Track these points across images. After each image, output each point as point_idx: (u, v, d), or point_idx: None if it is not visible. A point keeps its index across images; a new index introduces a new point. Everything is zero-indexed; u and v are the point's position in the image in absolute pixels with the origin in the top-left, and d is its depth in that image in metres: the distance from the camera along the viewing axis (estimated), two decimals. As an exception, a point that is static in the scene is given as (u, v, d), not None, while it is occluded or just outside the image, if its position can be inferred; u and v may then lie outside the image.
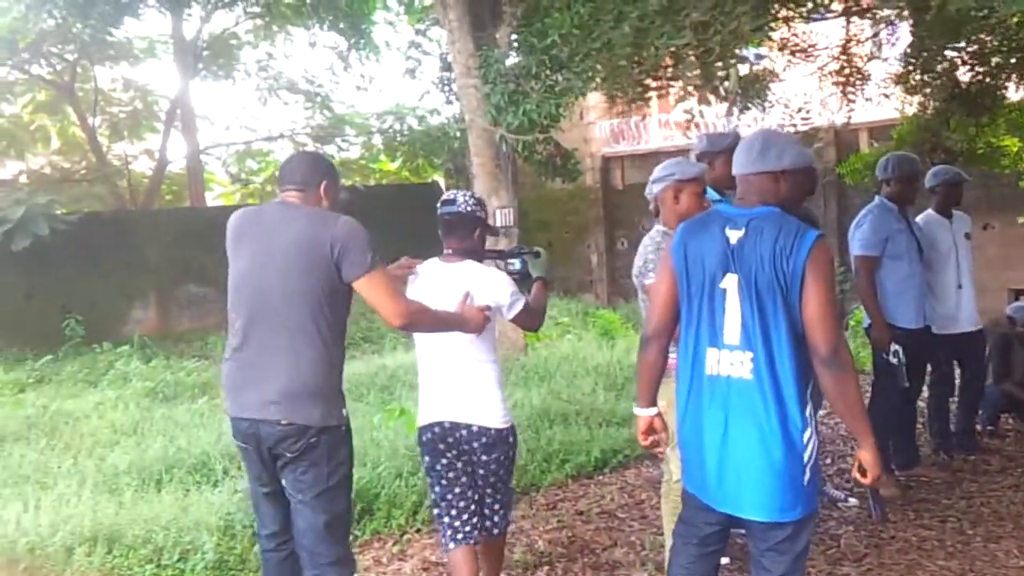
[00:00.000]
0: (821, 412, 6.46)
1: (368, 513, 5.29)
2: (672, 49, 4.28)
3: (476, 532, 3.83)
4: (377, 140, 19.79)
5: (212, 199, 21.44)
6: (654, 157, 15.85)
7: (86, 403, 9.04)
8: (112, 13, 10.22)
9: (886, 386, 5.57)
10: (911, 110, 8.38)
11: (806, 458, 2.86)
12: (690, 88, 4.59)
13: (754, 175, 3.03)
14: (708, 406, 2.97)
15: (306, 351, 3.28)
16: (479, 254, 3.92)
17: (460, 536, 3.79)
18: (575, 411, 7.38)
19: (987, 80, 6.85)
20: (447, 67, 11.08)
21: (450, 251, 3.87)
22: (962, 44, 5.98)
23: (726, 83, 4.41)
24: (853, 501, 5.33)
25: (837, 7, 5.68)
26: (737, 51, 4.38)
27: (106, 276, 14.70)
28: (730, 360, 2.92)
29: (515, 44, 9.64)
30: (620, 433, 6.81)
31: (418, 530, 5.22)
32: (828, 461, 6.21)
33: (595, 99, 14.61)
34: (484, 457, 3.73)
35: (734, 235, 2.95)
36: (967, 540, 4.67)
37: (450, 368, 3.78)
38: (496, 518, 3.88)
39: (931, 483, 5.64)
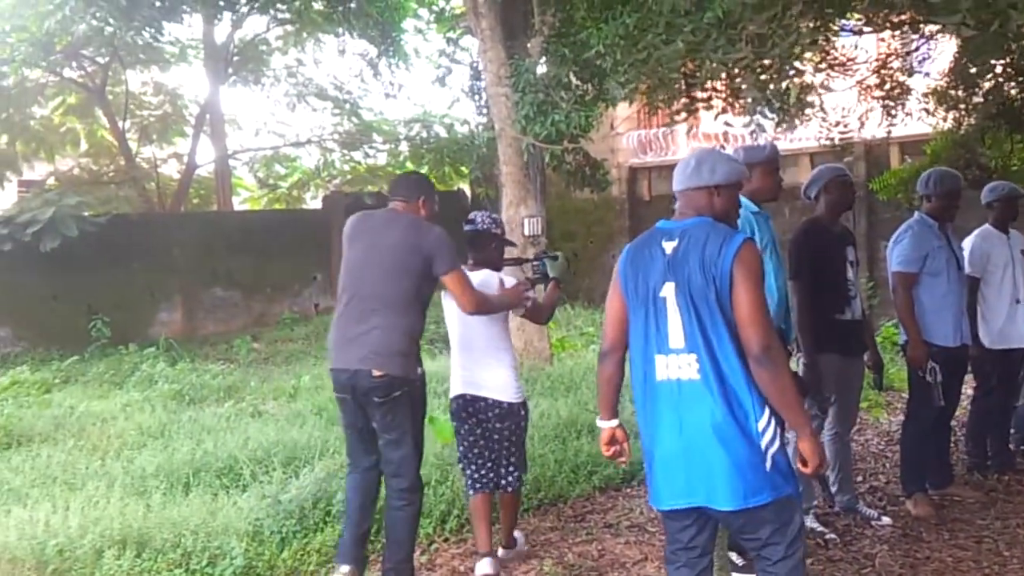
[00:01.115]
0: (854, 430, 6.44)
1: (395, 521, 5.26)
2: (726, 63, 4.25)
3: (492, 484, 4.74)
4: (404, 147, 19.82)
5: (239, 203, 21.53)
6: (682, 169, 15.82)
7: (113, 404, 9.06)
8: (155, 17, 10.27)
9: (921, 404, 5.50)
10: (944, 125, 8.30)
11: (763, 445, 3.00)
12: (745, 101, 4.55)
13: (690, 190, 3.26)
14: (663, 410, 3.11)
15: (396, 322, 4.21)
16: (496, 263, 4.79)
17: (479, 485, 4.72)
18: (602, 422, 7.32)
19: (1025, 96, 6.80)
20: (478, 75, 11.09)
21: (471, 262, 4.75)
22: (1006, 60, 5.90)
23: (785, 95, 4.38)
24: (886, 520, 5.26)
25: (879, 20, 5.63)
26: (797, 65, 4.33)
27: (133, 278, 14.81)
28: (677, 363, 3.08)
29: (546, 54, 9.61)
30: (648, 445, 6.75)
31: (446, 539, 5.19)
32: (860, 479, 6.13)
33: (623, 110, 14.60)
34: (498, 424, 4.67)
35: (669, 246, 3.15)
36: (1004, 562, 4.59)
37: (472, 352, 4.68)
38: (510, 477, 4.74)
39: (964, 503, 5.56)
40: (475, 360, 4.67)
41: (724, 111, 5.35)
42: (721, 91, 5.25)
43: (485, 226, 4.79)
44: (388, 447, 4.33)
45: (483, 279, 4.63)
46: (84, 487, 5.85)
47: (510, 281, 4.77)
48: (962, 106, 7.59)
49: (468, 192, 18.78)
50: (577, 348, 11.30)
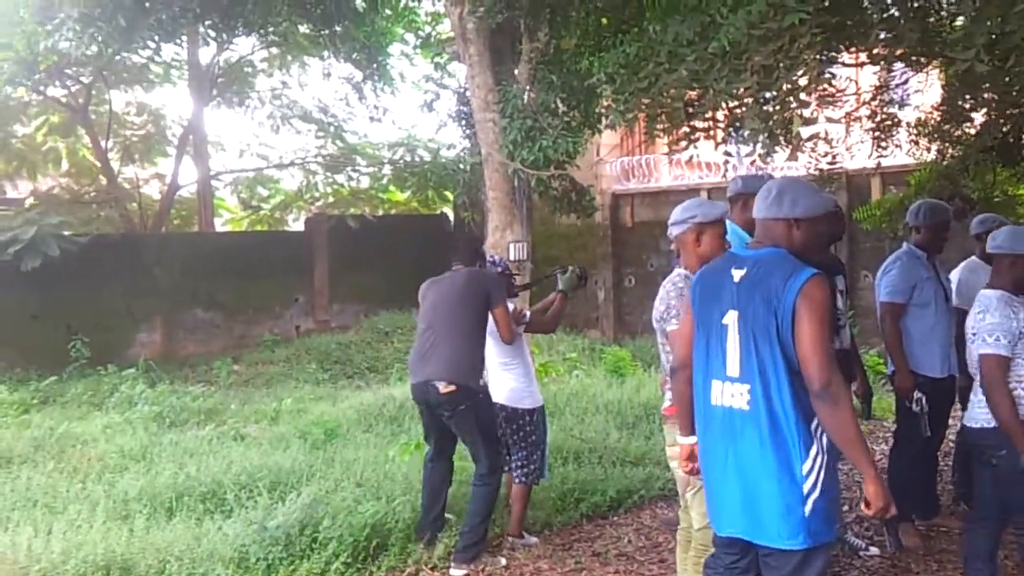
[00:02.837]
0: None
1: (383, 549, 5.22)
2: (730, 93, 4.26)
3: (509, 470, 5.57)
4: (387, 170, 19.81)
5: (221, 225, 21.43)
6: (664, 196, 15.90)
7: (93, 426, 8.97)
8: (154, 38, 10.23)
9: (908, 434, 5.52)
10: (928, 157, 8.36)
11: (806, 490, 2.96)
12: (746, 132, 4.57)
13: (769, 220, 3.22)
14: (715, 436, 3.17)
15: (460, 346, 5.24)
16: (510, 290, 5.75)
17: (506, 467, 5.55)
18: (588, 449, 7.32)
19: (1022, 130, 6.85)
20: (465, 101, 11.11)
21: None
22: (1001, 94, 5.96)
23: (788, 126, 4.41)
24: (874, 550, 5.26)
25: (877, 52, 5.68)
26: (802, 96, 4.35)
27: (113, 298, 14.70)
28: (731, 392, 3.10)
29: (534, 80, 9.64)
30: (635, 473, 6.76)
31: (434, 567, 5.15)
32: (847, 509, 6.13)
33: (608, 137, 14.66)
34: (504, 425, 5.51)
35: (738, 274, 3.15)
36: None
37: (491, 366, 5.56)
38: (517, 471, 5.52)
39: (951, 533, 5.56)
40: (491, 371, 5.59)
41: (724, 141, 5.37)
42: (722, 121, 5.27)
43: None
44: (465, 442, 5.41)
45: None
46: (66, 511, 5.78)
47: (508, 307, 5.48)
48: (949, 139, 7.66)
49: (451, 216, 18.78)
50: (560, 373, 11.29)
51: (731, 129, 5.20)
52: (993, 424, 3.89)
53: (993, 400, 3.84)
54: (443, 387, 5.13)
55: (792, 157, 5.37)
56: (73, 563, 4.69)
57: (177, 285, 15.51)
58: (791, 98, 4.28)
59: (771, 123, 4.39)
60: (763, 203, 3.24)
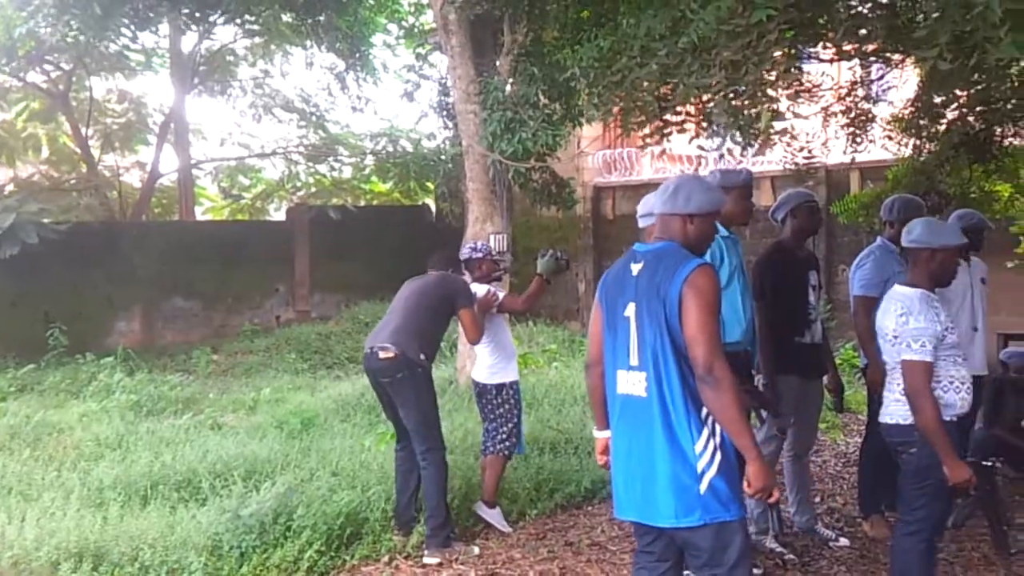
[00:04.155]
0: (812, 452, 6.51)
1: (357, 538, 5.25)
2: (700, 88, 4.29)
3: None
4: (369, 161, 19.78)
5: (202, 213, 21.35)
6: (646, 189, 15.78)
7: (69, 414, 8.94)
8: (129, 26, 10.17)
9: (878, 427, 5.56)
10: (905, 152, 8.43)
11: (700, 468, 3.08)
12: (716, 126, 4.61)
13: (666, 215, 3.35)
14: (620, 424, 3.31)
15: (409, 322, 5.44)
16: (486, 278, 5.94)
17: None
18: (564, 440, 7.36)
19: (993, 127, 6.91)
20: (446, 92, 11.13)
21: (471, 279, 5.88)
22: (971, 91, 6.01)
23: (756, 121, 4.44)
24: (844, 541, 5.32)
25: (848, 48, 5.72)
26: (769, 92, 4.39)
27: (92, 287, 14.64)
28: (632, 380, 3.24)
29: (515, 72, 9.66)
30: (609, 464, 6.78)
31: (408, 555, 5.17)
32: (818, 500, 6.20)
33: (590, 130, 14.68)
34: (477, 401, 5.92)
35: (636, 268, 3.30)
36: (959, 585, 4.66)
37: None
38: (487, 443, 5.80)
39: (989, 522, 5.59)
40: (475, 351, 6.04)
41: (697, 135, 5.40)
42: (693, 115, 5.31)
43: (466, 255, 6.01)
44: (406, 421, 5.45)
45: (475, 289, 5.72)
46: (40, 498, 5.78)
47: (481, 290, 5.75)
48: (924, 134, 7.71)
49: (433, 207, 18.77)
50: (540, 365, 11.32)
51: (704, 123, 5.23)
52: (909, 421, 3.90)
53: (917, 406, 3.82)
54: (383, 352, 5.30)
55: (761, 152, 5.41)
56: (46, 550, 4.69)
57: (157, 274, 15.46)
58: (759, 93, 4.31)
59: (740, 117, 4.42)
60: (660, 199, 3.38)
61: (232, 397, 10.52)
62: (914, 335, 3.88)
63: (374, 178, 20.77)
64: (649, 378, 3.16)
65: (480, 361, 5.92)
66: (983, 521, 5.65)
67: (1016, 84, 5.57)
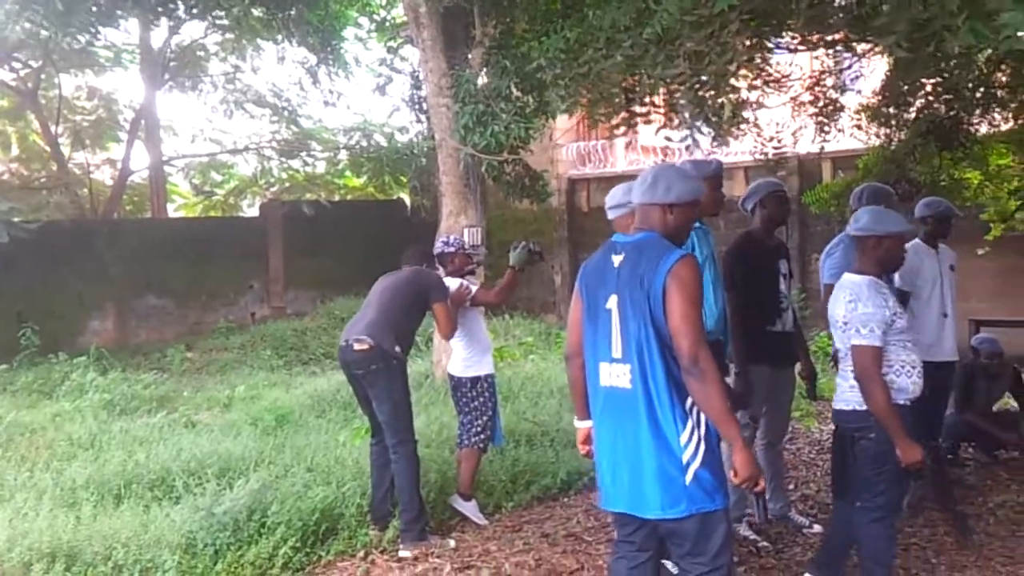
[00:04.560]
0: (786, 439, 6.56)
1: (332, 533, 5.24)
2: (664, 79, 4.30)
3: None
4: (343, 155, 19.70)
5: (174, 210, 21.22)
6: (620, 181, 15.86)
7: (42, 414, 8.87)
8: (92, 22, 10.03)
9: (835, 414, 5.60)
10: (875, 141, 8.48)
11: (685, 459, 3.09)
12: (682, 116, 4.61)
13: (645, 205, 3.34)
14: (603, 416, 3.29)
15: (384, 315, 5.46)
16: (459, 272, 5.94)
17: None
18: (540, 432, 7.37)
19: (960, 114, 6.96)
20: (418, 85, 11.08)
21: (445, 272, 5.91)
22: (936, 79, 6.05)
23: (720, 111, 4.45)
24: (818, 528, 5.35)
25: (812, 37, 5.75)
26: (732, 82, 4.40)
27: (64, 286, 14.52)
28: (616, 372, 3.22)
29: (487, 65, 9.64)
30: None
31: (384, 550, 5.17)
32: (791, 488, 6.24)
33: (563, 122, 14.70)
34: (453, 395, 5.93)
35: (617, 260, 3.28)
36: (932, 569, 4.71)
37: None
38: (461, 437, 5.81)
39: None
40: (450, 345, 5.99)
41: (664, 126, 5.41)
42: (660, 106, 5.32)
43: (439, 249, 6.03)
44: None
45: (448, 283, 5.73)
46: (12, 499, 5.73)
47: (454, 284, 5.74)
48: (893, 123, 7.77)
49: (408, 201, 18.73)
50: (516, 358, 11.33)
51: (671, 114, 5.24)
52: (865, 407, 3.93)
53: (867, 391, 3.88)
54: (357, 345, 5.32)
55: (725, 142, 5.42)
56: (18, 551, 4.65)
57: (129, 272, 15.36)
58: (723, 83, 4.33)
59: (705, 108, 4.43)
60: (639, 189, 3.36)
61: (207, 395, 10.47)
62: (862, 320, 3.94)
63: (348, 173, 20.70)
64: (634, 370, 3.15)
65: (455, 354, 5.92)
66: (960, 507, 5.72)
67: (982, 72, 5.62)
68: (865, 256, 4.17)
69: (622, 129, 5.19)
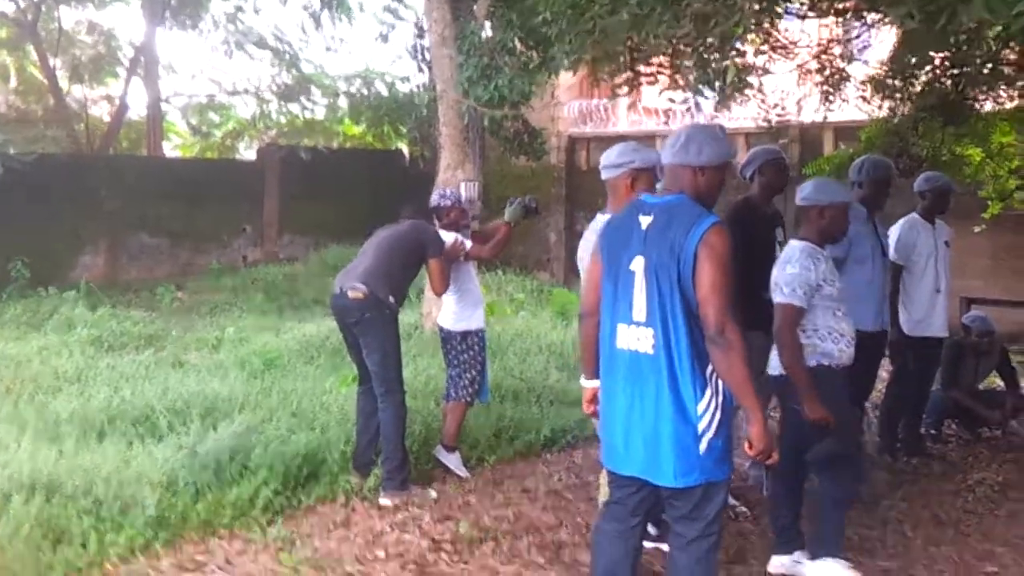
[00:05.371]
0: (771, 407, 6.55)
1: (314, 478, 5.24)
2: (670, 39, 4.23)
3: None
4: (343, 102, 19.53)
5: (170, 150, 21.06)
6: (621, 140, 15.79)
7: (29, 347, 8.84)
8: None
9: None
10: (879, 113, 8.41)
11: (700, 429, 3.06)
12: (686, 78, 4.54)
13: (676, 166, 3.26)
14: (619, 378, 3.23)
15: (380, 263, 5.41)
16: (456, 226, 5.86)
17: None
18: (527, 388, 7.38)
19: (966, 90, 6.90)
20: (421, 34, 10.97)
21: (440, 225, 5.83)
22: (945, 53, 5.98)
23: (724, 75, 4.39)
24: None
25: (823, 4, 5.67)
26: (738, 46, 4.33)
27: (57, 220, 14.41)
28: (637, 335, 3.16)
29: (492, 17, 9.53)
30: (570, 413, 6.82)
31: (364, 498, 5.18)
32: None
33: (566, 79, 14.56)
34: (442, 348, 5.93)
35: (645, 221, 3.20)
36: (907, 543, 4.72)
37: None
38: (449, 390, 5.81)
39: (873, 484, 5.67)
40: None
41: (668, 87, 5.34)
42: (665, 67, 5.24)
43: (435, 203, 5.93)
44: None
45: (443, 237, 5.65)
46: (-6, 430, 5.71)
47: (449, 238, 5.67)
48: (898, 95, 7.70)
49: (407, 152, 18.61)
50: (507, 314, 11.30)
51: (675, 76, 5.17)
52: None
53: (780, 344, 4.03)
54: (352, 292, 5.28)
55: (726, 106, 5.36)
56: (-2, 481, 4.65)
57: (123, 209, 15.25)
58: (728, 46, 4.26)
59: (708, 71, 4.37)
60: (671, 150, 3.29)
61: (195, 335, 10.43)
62: (787, 280, 4.09)
63: (347, 120, 20.54)
64: (657, 335, 3.09)
65: (446, 307, 5.89)
66: (940, 482, 5.75)
67: (992, 49, 5.55)
68: (808, 224, 4.30)
69: (625, 89, 5.11)
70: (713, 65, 4.36)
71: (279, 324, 11.56)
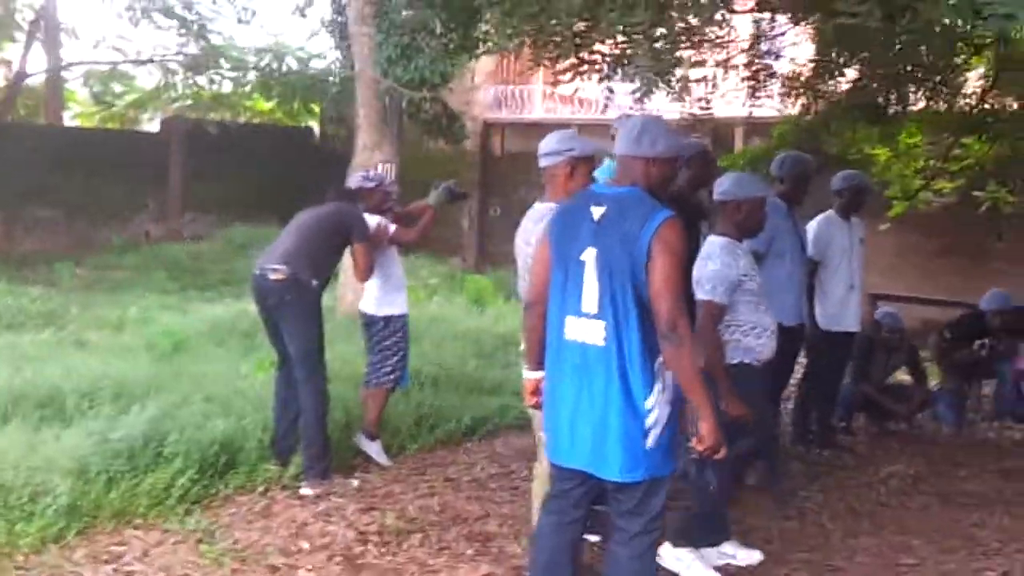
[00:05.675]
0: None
1: (231, 467, 5.09)
2: (624, 26, 4.19)
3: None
4: (252, 76, 19.03)
5: (70, 119, 20.28)
6: (536, 128, 15.83)
7: (-82, 323, 8.42)
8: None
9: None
10: (792, 111, 8.56)
11: (648, 424, 3.03)
12: (636, 69, 4.51)
13: (628, 157, 3.24)
14: (565, 369, 3.18)
15: (302, 244, 5.25)
16: (379, 209, 5.73)
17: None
18: (445, 375, 7.31)
19: (889, 92, 7.07)
20: (340, 10, 10.74)
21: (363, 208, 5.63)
22: (867, 54, 6.10)
23: (675, 68, 4.39)
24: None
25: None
26: (692, 38, 4.33)
27: (-53, 188, 13.78)
28: (586, 327, 3.12)
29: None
30: (490, 401, 6.80)
31: (284, 487, 5.05)
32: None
33: (484, 63, 14.48)
34: (364, 333, 5.82)
35: (597, 212, 3.16)
36: (827, 535, 4.80)
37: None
38: (369, 376, 5.71)
39: (790, 476, 5.76)
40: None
41: (609, 77, 5.30)
42: (608, 56, 5.19)
43: (358, 183, 5.84)
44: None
45: (369, 220, 5.52)
46: None
47: (372, 221, 5.52)
48: (810, 93, 7.85)
49: (317, 130, 18.28)
50: (420, 299, 11.17)
51: (618, 65, 5.14)
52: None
53: (702, 341, 3.99)
54: (272, 274, 5.11)
55: (679, 99, 5.37)
56: None
57: (19, 179, 14.67)
58: (682, 38, 4.25)
59: (660, 62, 4.35)
60: (624, 140, 3.26)
61: (96, 313, 10.08)
62: (708, 277, 4.12)
63: (256, 95, 20.05)
64: (608, 327, 3.06)
65: (368, 292, 5.77)
66: (853, 474, 5.90)
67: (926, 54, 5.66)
68: (726, 219, 4.32)
69: (568, 76, 5.06)
70: (663, 57, 4.33)
71: (184, 304, 11.25)
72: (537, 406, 3.52)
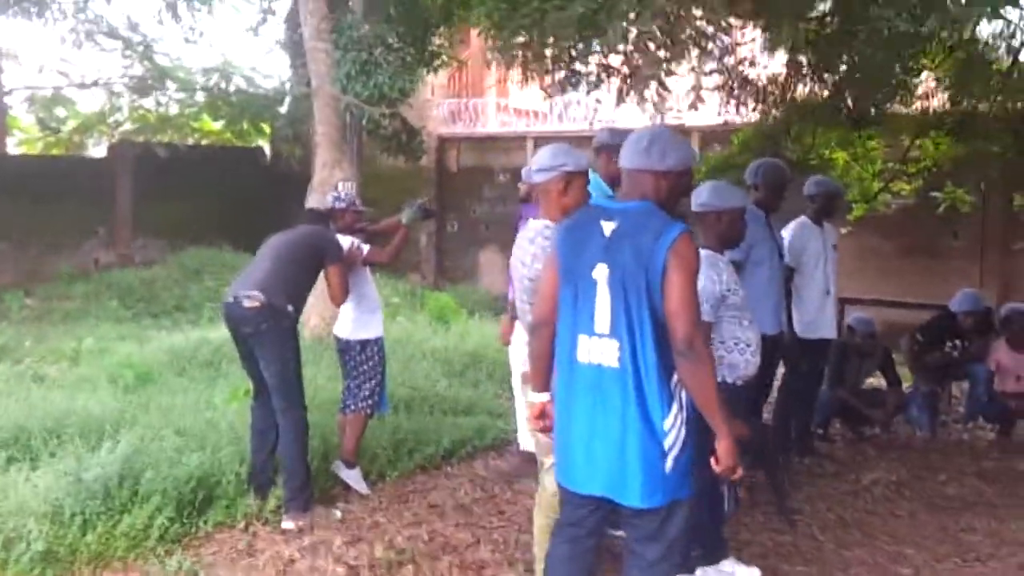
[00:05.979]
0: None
1: (210, 503, 4.91)
2: (628, 37, 4.10)
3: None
4: (200, 97, 18.76)
5: (14, 146, 19.80)
6: (490, 142, 15.80)
7: None
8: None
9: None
10: (753, 116, 8.58)
11: (667, 446, 2.93)
12: (642, 80, 4.43)
13: (636, 171, 3.13)
14: (579, 392, 3.05)
15: (277, 270, 5.11)
16: (351, 229, 5.66)
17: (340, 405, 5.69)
18: (418, 398, 7.17)
19: (869, 94, 7.10)
20: (295, 27, 10.59)
21: (335, 229, 5.57)
22: (852, 60, 6.11)
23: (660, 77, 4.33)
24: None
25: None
26: (701, 46, 4.25)
27: None
28: (600, 348, 3.00)
29: (370, 11, 9.28)
30: (466, 422, 6.69)
31: (266, 521, 4.89)
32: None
33: (439, 78, 14.39)
34: (340, 358, 5.74)
35: (608, 227, 3.05)
36: (819, 546, 4.77)
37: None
38: (347, 402, 5.62)
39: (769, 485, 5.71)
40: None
41: (596, 87, 5.22)
42: (605, 67, 5.11)
43: (329, 203, 5.78)
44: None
45: (341, 241, 5.45)
46: None
47: (345, 242, 5.46)
48: (774, 97, 7.87)
49: (268, 150, 18.03)
50: (384, 319, 11.02)
51: (627, 78, 5.05)
52: None
53: None
54: (247, 301, 4.95)
55: (657, 108, 5.27)
56: None
57: (-39, 210, 14.24)
58: (691, 46, 4.17)
59: (664, 72, 4.26)
60: (633, 152, 3.15)
61: (51, 346, 9.81)
62: None
63: (204, 116, 19.76)
64: (623, 348, 2.94)
65: (343, 315, 5.64)
66: (835, 482, 5.87)
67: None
68: (707, 231, 4.22)
69: (558, 89, 4.97)
70: (665, 66, 4.24)
71: (140, 333, 11.01)
72: (546, 430, 3.39)
